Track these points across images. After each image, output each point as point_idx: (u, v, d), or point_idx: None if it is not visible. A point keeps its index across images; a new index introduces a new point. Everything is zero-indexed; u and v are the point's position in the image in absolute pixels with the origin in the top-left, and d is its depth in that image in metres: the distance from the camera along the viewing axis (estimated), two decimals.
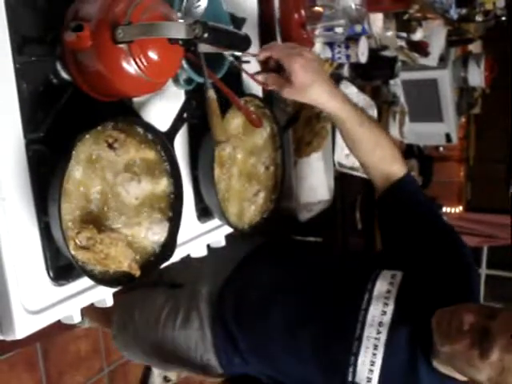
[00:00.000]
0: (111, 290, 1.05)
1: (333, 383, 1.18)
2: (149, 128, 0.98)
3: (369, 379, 1.09)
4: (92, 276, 0.92)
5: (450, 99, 2.86)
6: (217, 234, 1.28)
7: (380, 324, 1.11)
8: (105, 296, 1.05)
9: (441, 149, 3.49)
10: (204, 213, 1.22)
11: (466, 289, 1.17)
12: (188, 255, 1.23)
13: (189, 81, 1.09)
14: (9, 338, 0.89)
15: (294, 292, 1.25)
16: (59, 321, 1.00)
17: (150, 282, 1.50)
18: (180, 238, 1.07)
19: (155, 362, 1.45)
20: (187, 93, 1.12)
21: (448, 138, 3.07)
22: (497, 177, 4.12)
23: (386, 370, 1.09)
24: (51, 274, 0.92)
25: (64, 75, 0.91)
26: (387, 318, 1.11)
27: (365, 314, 1.13)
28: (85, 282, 0.98)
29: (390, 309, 1.11)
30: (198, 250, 1.25)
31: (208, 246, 1.28)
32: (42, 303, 0.91)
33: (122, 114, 0.98)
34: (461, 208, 3.90)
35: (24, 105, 0.86)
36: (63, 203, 0.85)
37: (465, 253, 1.24)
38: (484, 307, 1.04)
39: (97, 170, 0.91)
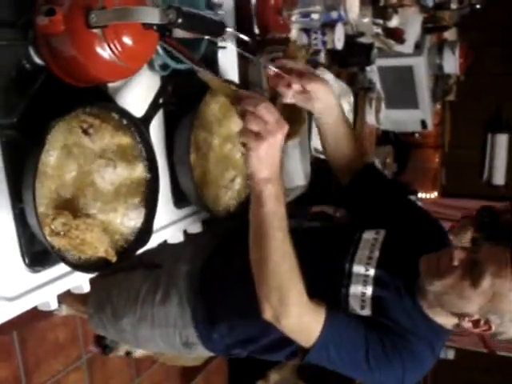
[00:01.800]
0: (88, 276, 1.05)
1: None
2: (124, 114, 0.98)
3: (362, 307, 1.15)
4: (68, 262, 0.92)
5: (426, 86, 2.89)
6: (193, 219, 1.28)
7: (367, 264, 1.18)
8: (81, 282, 1.05)
9: (416, 135, 3.53)
10: (180, 198, 1.22)
11: (442, 239, 1.30)
12: (165, 241, 1.24)
13: (164, 66, 1.09)
14: None
15: None
16: (36, 307, 1.00)
17: (129, 266, 1.51)
18: (156, 224, 1.08)
19: (132, 341, 1.45)
20: (163, 78, 1.12)
21: (423, 124, 3.11)
22: (471, 163, 4.19)
23: (376, 300, 1.15)
24: (27, 261, 0.92)
25: (37, 60, 0.90)
26: (374, 261, 1.18)
27: (352, 257, 1.20)
28: (61, 268, 0.97)
29: (375, 254, 1.19)
30: (175, 236, 1.26)
31: (185, 231, 1.29)
32: (17, 290, 0.91)
33: (97, 99, 0.97)
34: (435, 193, 3.95)
35: None
36: (38, 189, 0.85)
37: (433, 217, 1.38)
38: (466, 246, 1.13)
39: (71, 155, 0.91)
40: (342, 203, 1.51)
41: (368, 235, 1.25)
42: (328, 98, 1.26)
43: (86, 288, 1.08)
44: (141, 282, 1.38)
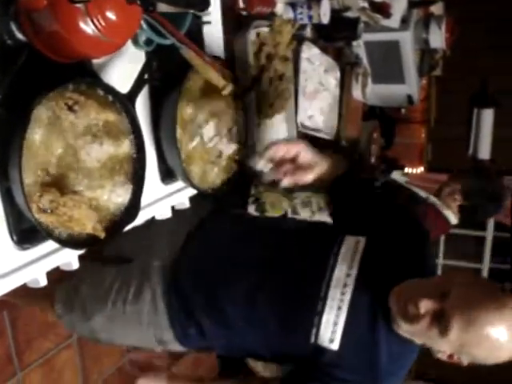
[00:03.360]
0: (76, 253, 1.06)
1: (294, 344, 1.18)
2: (109, 90, 0.97)
3: (331, 340, 1.11)
4: (56, 239, 0.92)
5: (412, 61, 2.89)
6: (181, 195, 1.29)
7: (344, 285, 1.13)
8: (70, 259, 1.06)
9: (402, 110, 3.53)
10: (167, 175, 1.22)
11: (421, 256, 1.22)
12: (153, 217, 1.24)
13: (148, 42, 1.08)
14: None
15: (255, 254, 1.24)
16: (25, 285, 1.00)
17: (97, 261, 1.46)
18: (144, 200, 1.08)
19: (104, 337, 1.39)
20: (147, 54, 1.11)
21: (410, 99, 3.11)
22: (457, 138, 4.21)
23: (347, 330, 1.11)
24: (15, 238, 0.92)
25: (19, 36, 0.89)
26: (351, 280, 1.13)
27: (330, 274, 1.15)
28: (49, 245, 0.98)
29: (354, 272, 1.14)
30: (163, 212, 1.26)
31: (172, 208, 1.29)
32: (6, 267, 0.92)
33: (81, 75, 0.96)
34: (422, 168, 3.98)
35: None
36: (24, 167, 0.84)
37: (417, 223, 1.33)
38: (436, 285, 1.07)
39: (57, 132, 0.90)
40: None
41: (347, 246, 1.20)
42: (323, 167, 1.22)
43: (75, 265, 1.09)
44: (111, 279, 1.33)
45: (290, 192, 2.29)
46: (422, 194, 2.38)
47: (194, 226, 1.35)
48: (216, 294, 1.23)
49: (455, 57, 3.53)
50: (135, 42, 1.08)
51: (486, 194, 2.29)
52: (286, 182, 1.16)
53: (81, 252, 1.06)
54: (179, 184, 1.26)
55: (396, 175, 3.10)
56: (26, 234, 0.94)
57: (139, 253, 1.36)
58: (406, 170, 3.60)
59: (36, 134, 0.87)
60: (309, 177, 1.18)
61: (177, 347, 1.32)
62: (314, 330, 1.12)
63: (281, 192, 2.28)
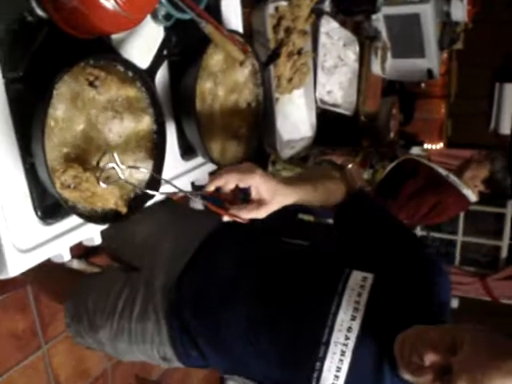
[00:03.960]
0: (99, 228, 1.07)
1: (296, 383, 1.13)
2: (129, 65, 0.97)
3: None
4: (80, 214, 0.93)
5: (433, 34, 2.83)
6: (200, 171, 1.29)
7: (349, 329, 1.06)
8: (93, 234, 1.07)
9: (422, 85, 3.48)
10: (187, 150, 1.22)
11: (430, 299, 1.12)
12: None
13: (167, 16, 1.08)
14: (2, 277, 0.91)
15: (256, 290, 1.18)
16: (49, 259, 1.02)
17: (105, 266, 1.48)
18: (164, 176, 1.08)
19: (110, 351, 1.38)
20: (166, 29, 1.10)
21: (430, 73, 3.06)
22: (477, 113, 4.14)
23: (351, 376, 1.04)
24: (39, 214, 0.94)
25: (39, 12, 0.89)
26: (356, 324, 1.06)
27: (334, 318, 1.07)
28: (73, 220, 1.00)
29: (360, 314, 1.06)
30: (182, 187, 1.27)
31: (193, 183, 1.30)
32: (31, 242, 0.93)
33: (101, 51, 0.96)
34: (441, 144, 3.93)
35: (0, 43, 0.84)
36: (46, 143, 0.85)
37: (429, 261, 1.18)
38: (445, 336, 0.96)
39: (79, 108, 0.91)
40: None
41: (353, 284, 1.11)
42: (281, 202, 1.06)
43: (98, 240, 1.10)
44: (118, 291, 1.32)
45: None
46: (442, 171, 2.36)
47: (197, 248, 1.30)
48: (217, 324, 1.19)
49: (477, 30, 3.46)
50: (154, 17, 1.08)
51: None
52: (225, 218, 1.01)
53: (103, 227, 1.08)
54: (199, 160, 1.27)
55: (415, 151, 3.07)
56: (50, 209, 0.95)
57: (145, 262, 1.35)
58: (426, 145, 3.56)
59: (58, 110, 0.88)
60: (256, 214, 1.02)
61: (180, 365, 1.32)
62: (315, 375, 1.06)
63: (299, 171, 2.28)
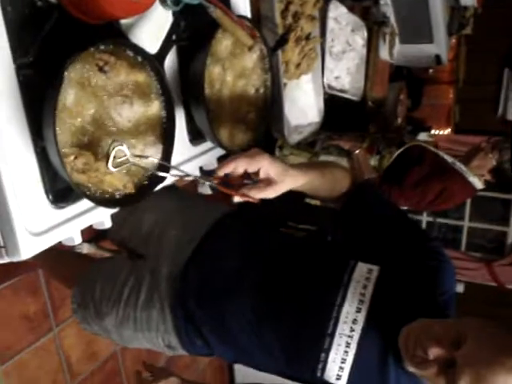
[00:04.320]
0: (109, 212, 1.09)
1: (301, 374, 1.15)
2: (138, 50, 0.98)
3: (338, 376, 1.07)
4: (91, 198, 0.95)
5: (441, 19, 2.81)
6: (209, 156, 1.30)
7: (354, 321, 1.07)
8: (103, 217, 1.09)
9: (430, 71, 3.46)
10: (196, 135, 1.23)
11: (435, 287, 1.13)
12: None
13: (176, 1, 1.08)
14: (14, 260, 0.92)
15: (261, 281, 1.18)
16: (60, 243, 1.04)
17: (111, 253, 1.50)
18: (173, 161, 1.09)
19: (116, 338, 1.40)
20: (175, 14, 1.11)
21: (438, 59, 3.04)
22: (485, 99, 4.12)
23: (356, 368, 1.06)
24: (51, 197, 0.95)
25: None
26: (362, 316, 1.07)
27: (339, 309, 1.08)
28: (83, 204, 1.01)
29: (365, 306, 1.07)
30: (191, 172, 1.28)
31: (201, 168, 1.31)
32: (43, 225, 0.95)
33: (111, 36, 0.97)
34: (449, 130, 3.91)
35: (10, 28, 0.85)
36: (59, 127, 0.86)
37: (431, 248, 1.20)
38: (449, 329, 0.96)
39: (88, 93, 0.92)
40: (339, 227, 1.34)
41: (358, 276, 1.11)
42: (291, 184, 1.06)
43: (108, 224, 1.12)
44: (124, 279, 1.34)
45: (315, 156, 2.29)
46: (448, 158, 2.35)
47: (203, 236, 1.30)
48: (222, 315, 1.20)
49: (486, 14, 3.42)
50: (163, 2, 1.08)
51: None
52: (236, 199, 1.00)
53: (113, 211, 1.09)
54: (208, 144, 1.27)
55: (422, 137, 3.06)
56: (62, 193, 0.97)
57: (151, 251, 1.36)
58: (433, 131, 3.55)
59: (68, 95, 0.89)
60: (266, 194, 1.02)
61: (185, 353, 1.33)
62: (320, 366, 1.08)
63: (306, 156, 2.29)
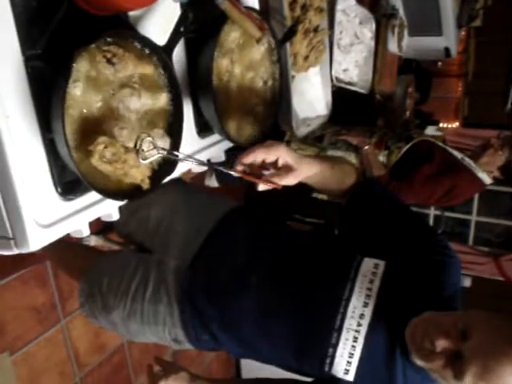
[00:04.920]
0: (117, 204, 1.09)
1: (309, 368, 1.15)
2: (146, 42, 0.98)
3: (346, 371, 1.07)
4: (99, 190, 0.95)
5: (451, 11, 2.79)
6: (217, 148, 1.30)
7: (361, 316, 1.07)
8: (111, 210, 1.09)
9: (439, 64, 3.44)
10: (204, 128, 1.23)
11: (441, 281, 1.13)
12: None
13: None
14: (23, 251, 0.93)
15: (268, 274, 1.19)
16: (68, 235, 1.04)
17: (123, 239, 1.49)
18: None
19: (122, 331, 1.40)
20: (183, 6, 1.10)
21: (447, 52, 3.02)
22: (494, 92, 4.09)
23: (364, 362, 1.06)
24: (59, 190, 0.96)
25: None
26: (369, 311, 1.07)
27: (346, 304, 1.09)
28: (92, 196, 1.01)
29: (372, 301, 1.08)
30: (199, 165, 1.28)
31: (208, 160, 1.30)
32: (52, 217, 0.95)
33: (119, 28, 0.97)
34: (457, 123, 3.89)
35: (19, 21, 0.85)
36: (66, 119, 0.86)
37: (436, 242, 1.20)
38: (456, 321, 0.97)
39: (97, 85, 0.92)
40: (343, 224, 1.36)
41: (365, 271, 1.12)
42: (308, 177, 1.10)
43: (116, 216, 1.12)
44: (131, 273, 1.34)
45: (322, 151, 2.29)
46: (457, 154, 2.34)
47: (211, 230, 1.31)
48: (230, 310, 1.20)
49: (497, 6, 3.39)
50: None
51: None
52: (261, 187, 1.03)
53: (121, 203, 1.09)
54: (215, 137, 1.27)
55: (431, 130, 3.04)
56: (70, 185, 0.97)
57: (158, 245, 1.36)
58: (442, 124, 3.53)
59: (76, 87, 0.89)
60: (287, 180, 1.04)
61: (191, 347, 1.34)
62: (328, 360, 1.08)
63: (313, 150, 2.28)
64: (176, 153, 1.03)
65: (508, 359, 0.88)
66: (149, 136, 0.97)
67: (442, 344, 0.94)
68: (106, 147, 0.90)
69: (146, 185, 1.00)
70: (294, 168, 1.04)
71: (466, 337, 0.93)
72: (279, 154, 1.03)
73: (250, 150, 1.02)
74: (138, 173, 0.98)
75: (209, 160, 1.31)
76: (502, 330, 0.93)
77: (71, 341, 2.45)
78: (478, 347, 0.91)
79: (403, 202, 1.32)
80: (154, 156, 0.98)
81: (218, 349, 1.33)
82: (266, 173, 1.02)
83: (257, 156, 1.02)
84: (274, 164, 1.04)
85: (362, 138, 2.23)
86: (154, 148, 0.97)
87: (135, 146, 0.95)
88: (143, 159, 0.96)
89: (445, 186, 2.21)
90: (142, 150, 0.96)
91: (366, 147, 2.18)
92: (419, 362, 1.00)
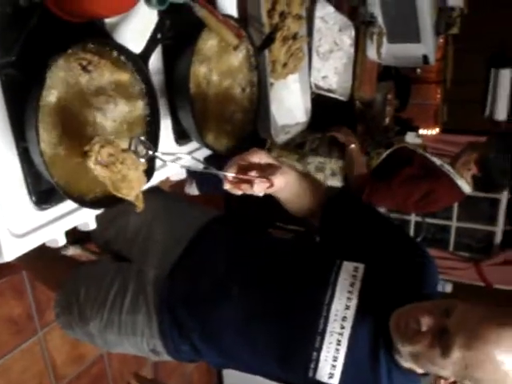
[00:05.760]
0: (94, 213, 1.08)
1: (292, 376, 1.15)
2: (122, 50, 0.97)
3: (331, 375, 1.07)
4: (74, 199, 0.93)
5: (429, 19, 2.82)
6: (195, 156, 1.28)
7: (344, 319, 1.08)
8: (87, 219, 1.07)
9: (418, 70, 3.48)
10: (181, 135, 1.22)
11: (421, 280, 1.15)
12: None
13: (161, 0, 1.07)
14: None
15: (250, 283, 1.19)
16: (44, 245, 1.02)
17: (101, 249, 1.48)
18: (158, 161, 1.08)
19: (99, 343, 1.37)
20: (160, 13, 1.09)
21: (425, 59, 3.06)
22: (473, 99, 4.14)
23: (348, 365, 1.06)
24: (34, 199, 0.94)
25: None
26: (351, 313, 1.08)
27: (328, 308, 1.09)
28: (67, 205, 1.00)
29: (353, 303, 1.09)
30: (177, 173, 1.27)
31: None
32: (26, 227, 0.94)
33: (94, 35, 0.96)
34: (437, 130, 3.93)
35: None
36: (41, 127, 0.85)
37: (415, 245, 1.23)
38: (438, 304, 1.02)
39: (72, 93, 0.91)
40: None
41: (345, 274, 1.13)
42: (288, 182, 1.12)
43: (92, 225, 1.11)
44: (109, 283, 1.32)
45: (303, 157, 2.30)
46: (437, 160, 2.36)
47: (191, 239, 1.31)
48: (211, 319, 1.20)
49: (473, 14, 3.44)
50: (148, 1, 1.07)
51: (505, 168, 2.25)
52: (255, 187, 1.03)
53: (98, 212, 1.08)
54: (194, 145, 1.26)
55: (411, 136, 3.07)
56: (45, 194, 0.96)
57: (136, 255, 1.35)
58: (421, 131, 3.56)
59: (51, 95, 0.88)
60: (275, 178, 1.05)
61: (170, 359, 1.32)
62: (312, 365, 1.08)
63: (295, 157, 2.29)
64: (178, 153, 1.03)
65: (492, 323, 0.92)
66: (142, 138, 0.95)
67: (427, 321, 0.97)
68: (102, 147, 0.87)
69: (139, 202, 0.97)
70: (278, 165, 1.07)
71: (449, 314, 0.97)
72: (260, 155, 1.05)
73: (236, 158, 1.04)
74: (135, 180, 0.93)
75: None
76: (480, 303, 0.99)
77: (49, 352, 2.41)
78: (461, 319, 0.95)
79: (376, 209, 1.34)
80: (150, 155, 0.95)
81: (198, 360, 1.31)
82: (252, 174, 1.03)
83: (243, 160, 1.04)
84: (259, 167, 1.05)
85: (350, 137, 2.25)
86: (149, 149, 0.95)
87: (130, 146, 0.93)
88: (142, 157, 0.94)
89: (422, 189, 2.22)
90: (137, 151, 0.94)
91: (353, 145, 2.21)
92: (406, 349, 1.01)
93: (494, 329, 0.92)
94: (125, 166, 0.90)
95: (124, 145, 0.92)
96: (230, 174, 1.02)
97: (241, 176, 1.02)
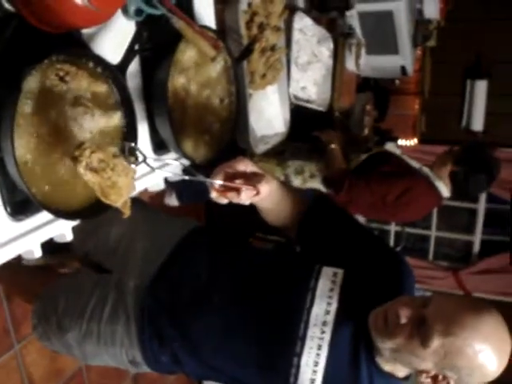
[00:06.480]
0: (70, 224, 1.06)
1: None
2: (99, 61, 0.97)
3: (312, 380, 1.08)
4: (51, 210, 0.92)
5: (406, 31, 2.87)
6: (173, 167, 1.28)
7: (324, 323, 1.09)
8: (64, 230, 1.06)
9: (396, 82, 3.52)
10: (160, 146, 1.22)
11: (399, 285, 1.18)
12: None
13: (138, 12, 1.07)
14: None
15: (230, 292, 1.20)
16: (20, 257, 1.01)
17: (76, 268, 1.47)
18: (138, 171, 1.07)
19: (77, 354, 1.35)
20: (138, 24, 1.10)
21: (403, 70, 3.10)
22: (450, 109, 4.20)
23: (329, 370, 1.07)
24: (9, 210, 0.93)
25: (7, 6, 0.88)
26: (331, 317, 1.09)
27: (308, 313, 1.10)
28: (43, 216, 0.99)
29: (333, 308, 1.10)
30: (155, 184, 1.27)
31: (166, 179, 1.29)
32: (1, 238, 0.92)
33: (71, 46, 0.96)
34: (415, 140, 3.98)
35: None
36: (15, 138, 0.84)
37: (391, 252, 1.28)
38: (416, 298, 1.07)
39: (49, 103, 0.90)
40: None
41: (324, 279, 1.15)
42: (272, 191, 1.12)
43: (69, 236, 1.09)
44: (89, 292, 1.30)
45: (283, 161, 2.32)
46: (415, 164, 2.39)
47: (172, 249, 1.30)
48: (193, 329, 1.20)
49: (449, 27, 3.51)
50: (125, 12, 1.07)
51: (479, 165, 2.29)
52: (244, 194, 1.03)
53: (74, 223, 1.07)
54: (172, 155, 1.26)
55: (390, 147, 3.10)
56: (20, 205, 0.94)
57: (116, 265, 1.34)
58: (400, 141, 3.60)
59: (27, 106, 0.87)
60: (260, 186, 1.05)
61: (149, 370, 1.31)
62: (293, 371, 1.09)
63: (274, 162, 2.31)
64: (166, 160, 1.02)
65: (467, 310, 0.98)
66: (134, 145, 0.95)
67: (405, 313, 1.01)
68: (93, 152, 0.86)
69: (126, 209, 0.96)
70: (263, 174, 1.07)
71: (426, 305, 1.01)
72: (246, 163, 1.05)
73: (222, 166, 1.04)
74: (124, 187, 0.92)
75: (166, 178, 1.30)
76: (456, 295, 1.06)
77: (25, 367, 2.36)
78: (438, 308, 1.00)
79: (354, 218, 1.37)
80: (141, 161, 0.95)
81: (177, 371, 1.31)
82: (238, 181, 1.03)
83: (230, 168, 1.04)
84: (244, 175, 1.05)
85: (332, 138, 2.30)
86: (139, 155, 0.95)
87: (123, 152, 0.93)
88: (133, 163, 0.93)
89: (400, 186, 2.25)
90: (128, 157, 0.93)
91: (333, 145, 2.25)
92: (386, 345, 1.03)
93: (470, 314, 0.96)
94: (115, 173, 0.90)
95: (115, 151, 0.92)
96: (218, 182, 1.01)
97: (228, 184, 1.01)
